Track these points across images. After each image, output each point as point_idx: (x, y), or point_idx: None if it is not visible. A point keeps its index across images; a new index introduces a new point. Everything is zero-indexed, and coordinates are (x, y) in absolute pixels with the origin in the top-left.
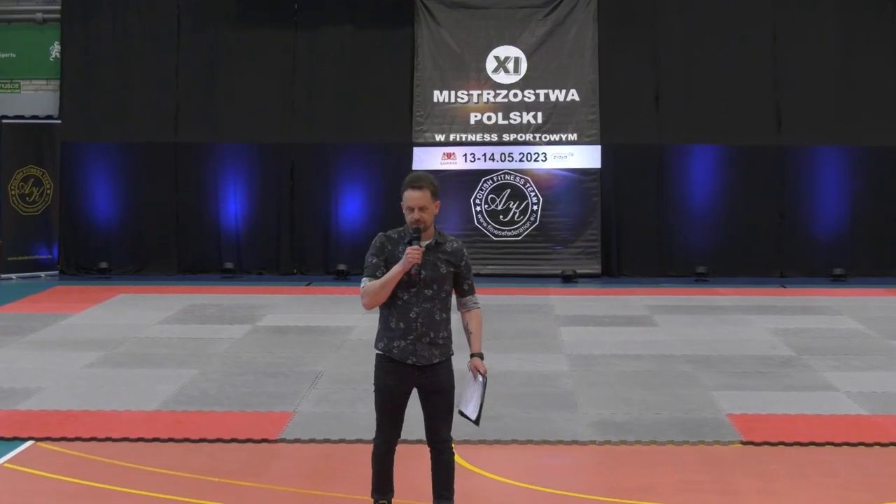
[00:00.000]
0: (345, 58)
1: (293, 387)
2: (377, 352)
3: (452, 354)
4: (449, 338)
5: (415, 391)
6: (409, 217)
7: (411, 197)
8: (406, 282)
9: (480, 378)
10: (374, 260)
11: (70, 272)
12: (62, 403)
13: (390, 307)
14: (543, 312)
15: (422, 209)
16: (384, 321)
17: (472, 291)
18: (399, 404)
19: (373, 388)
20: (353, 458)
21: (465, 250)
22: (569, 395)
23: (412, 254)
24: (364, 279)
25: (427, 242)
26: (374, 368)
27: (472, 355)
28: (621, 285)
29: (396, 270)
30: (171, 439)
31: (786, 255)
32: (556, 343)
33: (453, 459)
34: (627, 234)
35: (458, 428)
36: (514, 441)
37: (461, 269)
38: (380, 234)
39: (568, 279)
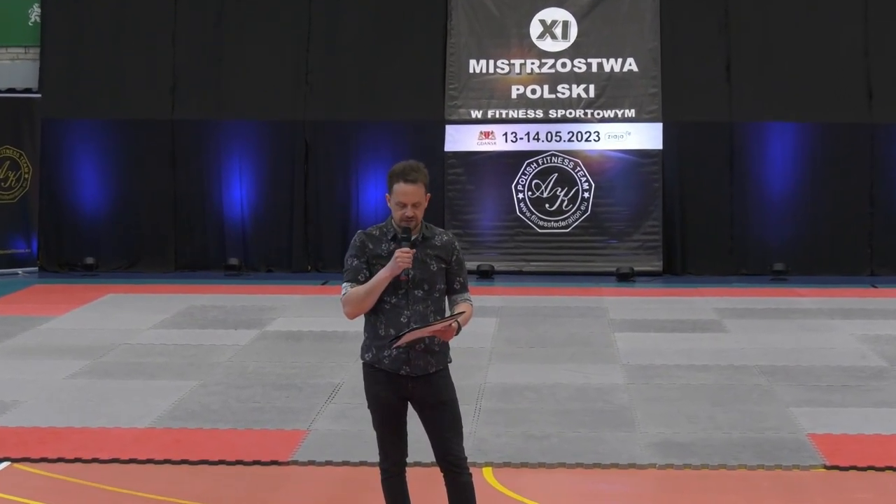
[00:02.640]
0: (367, 23)
1: (307, 401)
2: (364, 362)
3: (450, 362)
4: (446, 344)
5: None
6: (398, 213)
7: (404, 191)
8: (393, 284)
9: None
10: (355, 262)
11: (51, 269)
12: (42, 419)
13: (377, 313)
14: (596, 316)
15: (415, 206)
16: (371, 329)
17: (464, 289)
18: (400, 416)
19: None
20: (376, 484)
21: (456, 243)
22: (625, 411)
23: (402, 257)
24: (345, 285)
25: (413, 238)
26: (363, 383)
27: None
28: (686, 285)
29: (383, 276)
30: (167, 461)
31: (877, 251)
32: (611, 352)
33: (471, 482)
34: (693, 225)
35: (494, 449)
36: (562, 464)
37: (452, 265)
38: (359, 231)
39: (624, 278)
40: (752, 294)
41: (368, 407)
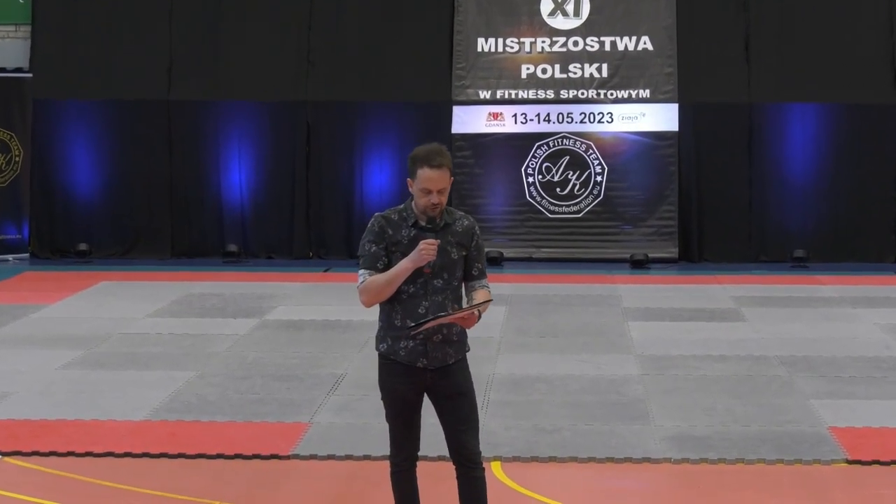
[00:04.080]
0: None
1: (308, 393)
2: (379, 353)
3: (468, 351)
4: (464, 333)
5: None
6: (423, 200)
7: (429, 177)
8: (413, 273)
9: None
10: (374, 248)
11: (43, 255)
12: (34, 412)
13: (393, 302)
14: (609, 305)
15: (441, 192)
16: (386, 318)
17: (482, 276)
18: (415, 409)
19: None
20: (380, 479)
21: (476, 228)
22: (639, 403)
23: (427, 249)
24: (362, 272)
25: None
26: (377, 374)
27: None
28: (703, 272)
29: (406, 266)
30: (163, 455)
31: None
32: (625, 342)
33: (485, 478)
34: (710, 210)
35: (504, 443)
36: (574, 459)
37: (471, 251)
38: (377, 215)
39: (639, 264)
40: (772, 282)
41: (382, 399)
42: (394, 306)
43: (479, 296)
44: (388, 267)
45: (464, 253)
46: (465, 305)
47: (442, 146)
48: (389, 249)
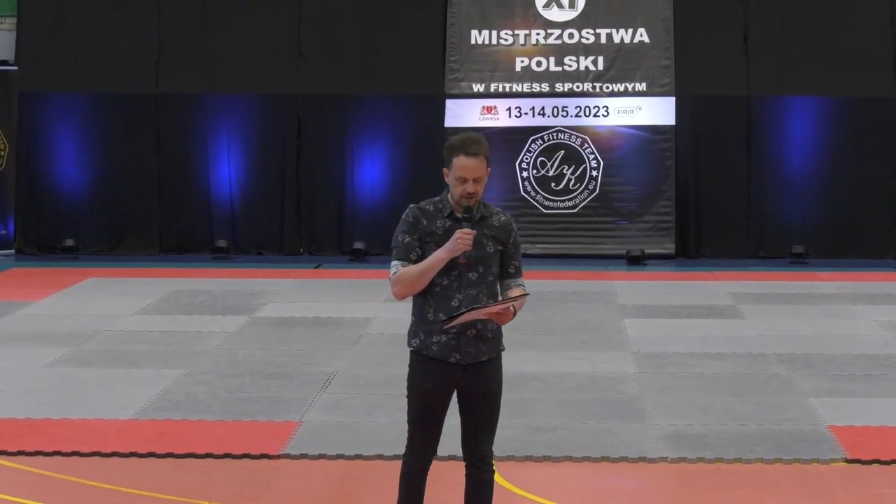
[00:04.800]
0: None
1: (299, 391)
2: (411, 349)
3: (503, 350)
4: (499, 330)
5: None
6: (459, 189)
7: (465, 166)
8: (447, 265)
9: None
10: (408, 239)
11: (29, 251)
12: (20, 410)
13: (426, 295)
14: (605, 301)
15: (476, 181)
16: (419, 312)
17: (519, 274)
18: (439, 412)
19: (404, 393)
20: (372, 479)
21: (514, 225)
22: (635, 402)
23: (462, 238)
24: (395, 263)
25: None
26: (407, 369)
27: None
28: (700, 268)
29: (441, 256)
30: (151, 454)
31: None
32: (621, 339)
33: (493, 479)
34: (708, 206)
35: (498, 442)
36: (569, 458)
37: (509, 248)
38: (412, 206)
39: (635, 261)
40: (771, 278)
41: (408, 397)
42: (427, 299)
43: (512, 293)
44: (421, 259)
45: (500, 248)
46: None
47: (480, 135)
48: (423, 240)
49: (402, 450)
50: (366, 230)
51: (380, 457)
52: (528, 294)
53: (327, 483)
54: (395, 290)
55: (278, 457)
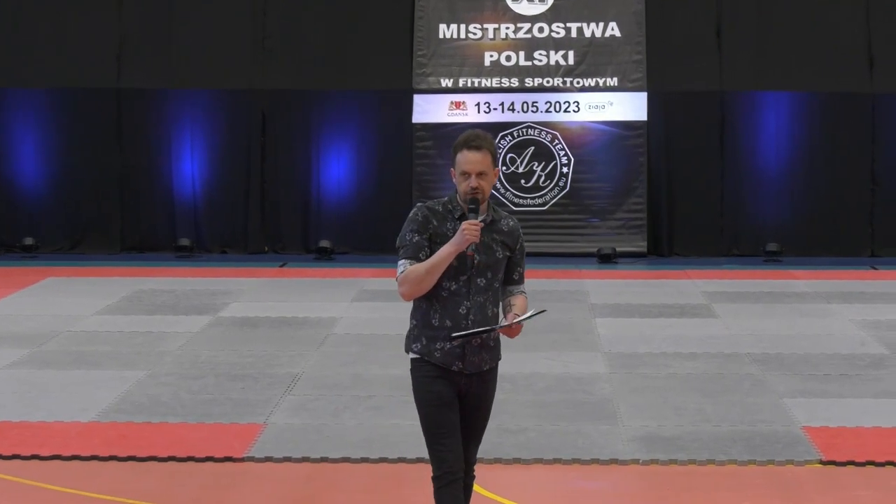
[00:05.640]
0: None
1: (264, 393)
2: (412, 356)
3: (500, 359)
4: (499, 339)
5: None
6: (463, 185)
7: (468, 160)
8: (455, 268)
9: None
10: (416, 238)
11: None
12: None
13: (431, 300)
14: (575, 300)
15: (480, 175)
16: (423, 317)
17: (522, 281)
18: (457, 413)
19: (371, 394)
20: (339, 482)
21: (520, 229)
22: (607, 403)
23: (469, 229)
24: (403, 262)
25: (481, 218)
26: (411, 381)
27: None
28: (672, 267)
29: (448, 251)
30: (112, 457)
31: (878, 231)
32: (592, 339)
33: (472, 484)
34: (680, 203)
35: None
36: (539, 460)
37: (515, 254)
38: (419, 205)
39: (606, 259)
40: (744, 276)
41: (418, 407)
42: (432, 304)
43: (517, 301)
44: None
45: (508, 254)
46: (500, 309)
47: (485, 132)
48: (434, 241)
49: (368, 452)
50: (332, 228)
51: (346, 459)
52: (544, 311)
53: (293, 486)
54: (402, 290)
55: (242, 460)
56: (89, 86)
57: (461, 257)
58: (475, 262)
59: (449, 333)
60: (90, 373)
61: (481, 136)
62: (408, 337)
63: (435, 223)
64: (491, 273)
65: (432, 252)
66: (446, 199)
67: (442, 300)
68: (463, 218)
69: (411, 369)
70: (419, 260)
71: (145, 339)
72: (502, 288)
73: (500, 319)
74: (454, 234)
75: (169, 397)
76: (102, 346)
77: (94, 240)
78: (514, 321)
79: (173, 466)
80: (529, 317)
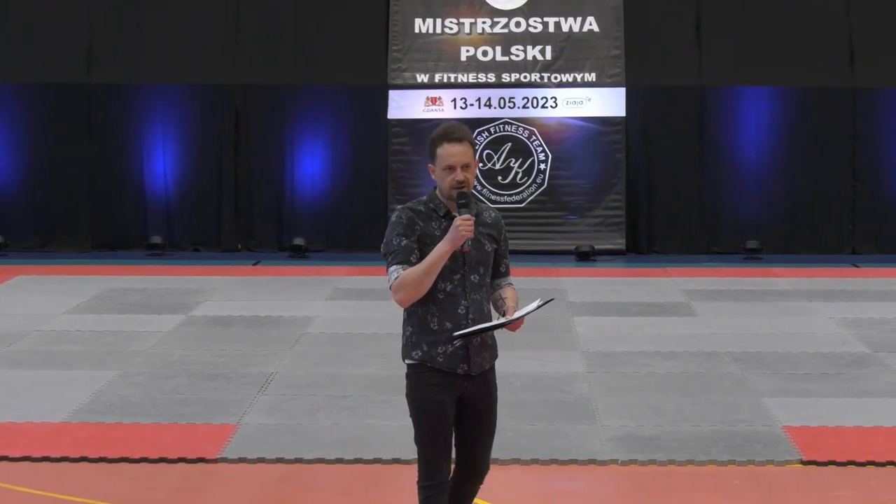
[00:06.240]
0: None
1: (237, 393)
2: (410, 362)
3: (497, 357)
4: (495, 336)
5: None
6: (448, 179)
7: (451, 153)
8: (448, 268)
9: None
10: (405, 241)
11: None
12: None
13: (427, 304)
14: (553, 298)
15: (465, 168)
16: (419, 322)
17: (508, 273)
18: (451, 422)
19: (346, 394)
20: (314, 483)
21: (503, 220)
22: (585, 402)
23: (464, 225)
24: (395, 268)
25: (471, 212)
26: (407, 387)
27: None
28: (651, 265)
29: (443, 249)
30: (83, 459)
31: (859, 228)
32: (570, 337)
33: (476, 492)
34: (659, 200)
35: None
36: (517, 461)
37: (501, 246)
38: (402, 207)
39: (584, 257)
40: (724, 274)
41: (414, 415)
42: (429, 308)
43: (508, 294)
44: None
45: (495, 246)
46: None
47: (460, 123)
48: (423, 242)
49: (343, 452)
50: (306, 226)
51: (321, 460)
52: (552, 300)
53: (266, 488)
54: (399, 297)
55: (215, 461)
56: (59, 81)
57: (452, 255)
58: (467, 258)
59: (450, 336)
60: (60, 373)
61: (460, 127)
62: (405, 346)
63: (421, 224)
64: (483, 268)
65: (422, 254)
66: (426, 198)
67: (439, 302)
68: (448, 215)
69: (408, 374)
70: (411, 264)
71: (116, 338)
72: (492, 283)
73: (496, 316)
74: (442, 232)
75: (141, 397)
76: (73, 345)
77: (64, 238)
78: (522, 313)
79: (145, 468)
80: (536, 308)
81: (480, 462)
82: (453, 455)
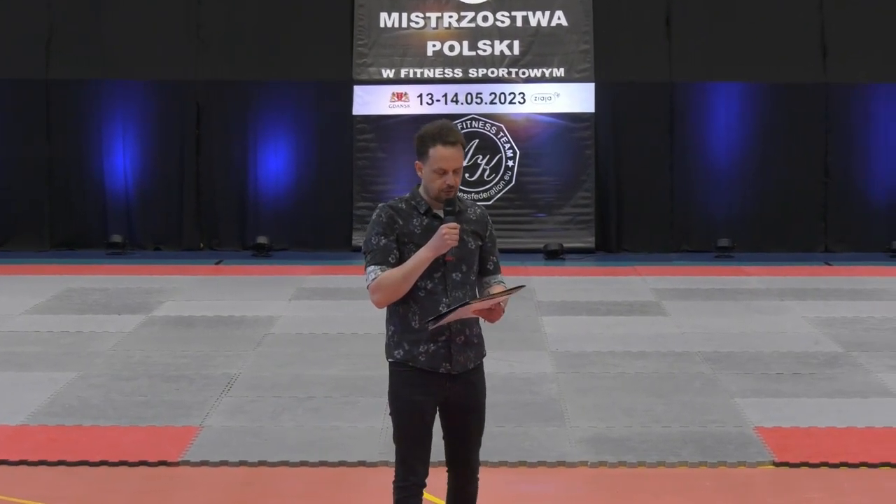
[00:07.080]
0: None
1: (199, 395)
2: (392, 361)
3: (485, 356)
4: (481, 335)
5: None
6: (438, 182)
7: (445, 156)
8: (429, 267)
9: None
10: (384, 241)
11: None
12: None
13: (409, 303)
14: (522, 298)
15: (456, 172)
16: (401, 322)
17: (497, 270)
18: (430, 425)
19: (310, 395)
20: (278, 486)
21: (488, 216)
22: (554, 403)
23: (449, 233)
24: (372, 268)
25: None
26: (389, 385)
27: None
28: (621, 263)
29: (425, 255)
30: (42, 462)
31: (832, 226)
32: (538, 337)
33: (477, 492)
34: (629, 197)
35: None
36: (484, 462)
37: (486, 242)
38: (382, 205)
39: (553, 255)
40: (695, 273)
41: (393, 414)
42: (409, 306)
43: (496, 290)
44: (400, 261)
45: (479, 243)
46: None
47: (451, 122)
48: (402, 241)
49: (308, 455)
50: (269, 224)
51: (285, 463)
52: (523, 286)
53: (229, 491)
54: (375, 298)
55: (177, 464)
56: (17, 76)
57: (444, 258)
58: (455, 257)
59: (431, 335)
60: (19, 374)
61: (454, 129)
62: (388, 345)
63: (400, 222)
64: (466, 266)
65: (402, 252)
66: (408, 195)
67: (419, 301)
68: (430, 213)
69: (391, 374)
70: (389, 264)
71: (76, 339)
72: (478, 280)
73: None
74: (422, 229)
75: (100, 399)
76: (31, 346)
77: (22, 236)
78: (491, 295)
79: (105, 471)
80: (507, 292)
81: (470, 461)
82: (448, 457)
